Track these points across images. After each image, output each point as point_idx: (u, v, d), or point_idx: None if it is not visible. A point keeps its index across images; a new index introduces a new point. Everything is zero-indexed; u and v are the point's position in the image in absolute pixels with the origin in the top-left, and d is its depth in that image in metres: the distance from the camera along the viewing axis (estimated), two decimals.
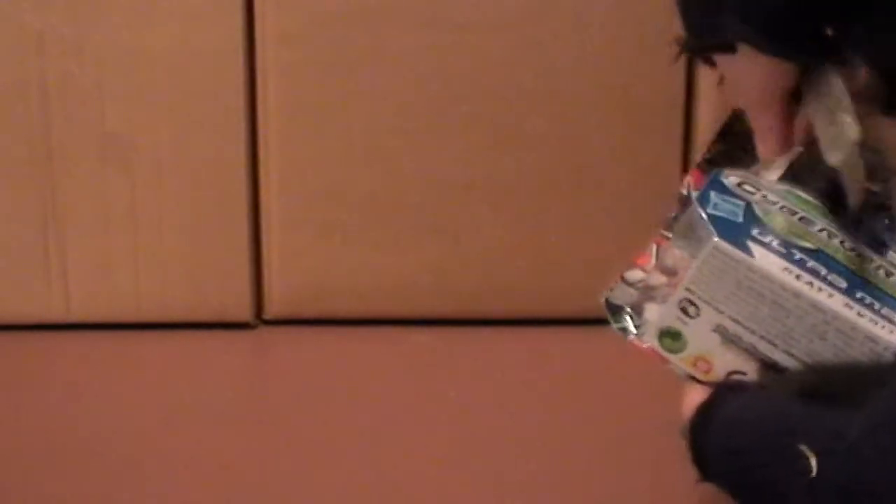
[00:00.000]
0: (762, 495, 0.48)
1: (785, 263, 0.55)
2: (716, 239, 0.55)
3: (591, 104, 1.10)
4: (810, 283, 0.54)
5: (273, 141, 1.11)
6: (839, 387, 0.52)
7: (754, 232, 0.55)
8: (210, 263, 1.12)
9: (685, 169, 1.13)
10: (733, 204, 0.57)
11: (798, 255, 0.55)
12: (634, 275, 0.62)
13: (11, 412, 0.99)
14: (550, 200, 1.12)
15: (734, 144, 0.64)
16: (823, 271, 0.55)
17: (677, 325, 0.57)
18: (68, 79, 1.08)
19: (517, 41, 1.09)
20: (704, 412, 0.52)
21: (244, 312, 1.14)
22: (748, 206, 0.57)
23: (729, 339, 0.56)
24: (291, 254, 1.13)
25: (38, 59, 1.07)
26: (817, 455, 0.45)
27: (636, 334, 0.59)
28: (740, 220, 0.56)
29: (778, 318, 0.54)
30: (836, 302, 0.54)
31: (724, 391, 0.54)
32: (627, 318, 0.61)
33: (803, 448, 0.45)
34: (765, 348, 0.55)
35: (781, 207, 0.57)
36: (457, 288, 1.13)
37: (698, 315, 0.56)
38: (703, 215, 0.56)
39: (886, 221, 0.59)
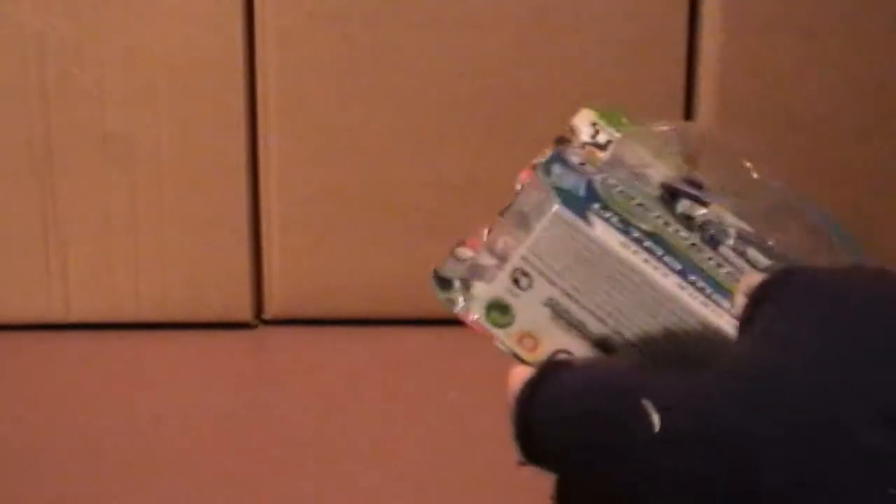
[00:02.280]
0: (594, 464, 0.46)
1: (623, 239, 0.55)
2: (557, 206, 0.55)
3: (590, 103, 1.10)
4: (646, 261, 0.55)
5: (273, 141, 1.11)
6: (666, 365, 0.52)
7: (595, 206, 0.56)
8: (210, 263, 1.12)
9: None
10: (576, 178, 0.58)
11: (636, 234, 0.56)
12: (464, 252, 0.62)
13: (11, 412, 0.99)
14: None
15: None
16: (660, 252, 0.56)
17: (507, 298, 0.57)
18: (68, 79, 1.08)
19: (517, 41, 1.09)
20: (532, 384, 0.51)
21: (244, 312, 1.14)
22: (590, 182, 0.58)
23: (559, 315, 0.56)
24: (291, 254, 1.13)
25: (38, 59, 1.07)
26: (661, 410, 0.44)
27: (462, 307, 0.59)
28: (582, 193, 0.57)
29: (611, 294, 0.55)
30: (670, 282, 0.55)
31: (553, 364, 0.53)
32: (455, 290, 0.61)
33: (645, 402, 0.44)
34: (594, 325, 0.55)
35: (621, 191, 0.58)
36: None
37: (530, 287, 0.56)
38: (546, 184, 0.57)
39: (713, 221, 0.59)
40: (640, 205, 0.59)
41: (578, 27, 1.08)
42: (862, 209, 1.12)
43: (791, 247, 0.59)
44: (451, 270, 0.62)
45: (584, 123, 0.66)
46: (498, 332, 0.58)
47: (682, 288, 0.55)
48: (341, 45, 1.08)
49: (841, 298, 0.45)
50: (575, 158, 0.59)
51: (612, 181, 0.58)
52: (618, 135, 0.64)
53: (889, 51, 1.09)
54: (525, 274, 0.56)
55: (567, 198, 0.56)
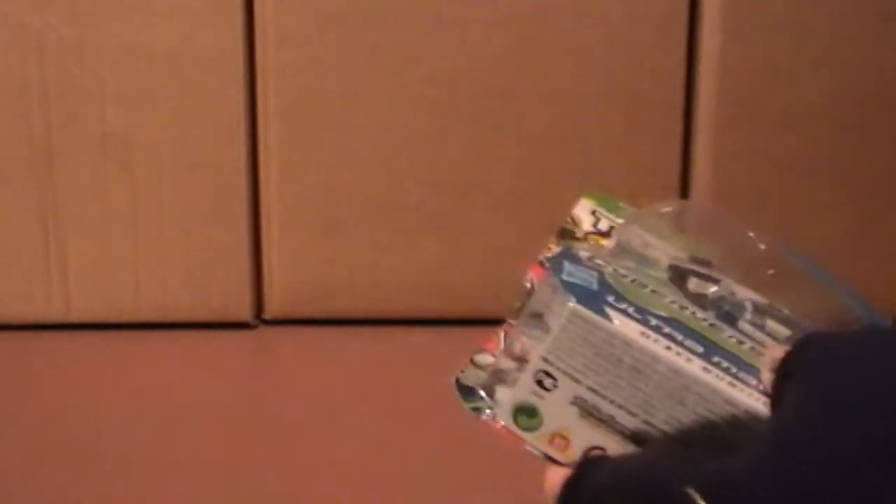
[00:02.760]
0: None
1: (642, 328, 0.54)
2: (572, 304, 0.54)
3: (590, 103, 1.10)
4: (668, 348, 0.54)
5: (273, 141, 1.11)
6: (702, 451, 0.52)
7: (610, 299, 0.55)
8: (210, 263, 1.12)
9: (685, 168, 1.13)
10: (587, 273, 0.57)
11: (654, 322, 0.55)
12: (484, 358, 0.61)
13: (11, 412, 0.99)
14: (550, 200, 1.12)
15: (572, 243, 0.64)
16: (679, 337, 0.55)
17: (532, 400, 0.56)
18: (68, 79, 1.08)
19: (517, 40, 1.09)
20: (573, 484, 0.51)
21: (244, 312, 1.14)
22: (601, 275, 0.57)
23: (587, 412, 0.55)
24: (291, 254, 1.13)
25: (38, 59, 1.07)
26: (705, 498, 0.45)
27: (489, 414, 0.58)
28: (595, 287, 0.56)
29: (637, 385, 0.54)
30: (694, 366, 0.54)
31: (589, 462, 0.53)
32: (480, 398, 0.60)
33: (690, 491, 0.45)
34: (624, 419, 0.54)
35: (633, 280, 0.58)
36: (456, 288, 1.13)
37: (555, 387, 0.55)
38: (559, 282, 0.56)
39: (726, 299, 0.59)
40: (654, 291, 0.58)
41: (578, 27, 1.08)
42: (862, 209, 1.12)
43: (805, 311, 0.58)
44: (473, 378, 0.61)
45: (584, 212, 0.66)
46: (528, 436, 0.57)
47: (708, 371, 0.54)
48: (341, 45, 1.08)
49: (859, 358, 0.46)
50: (584, 253, 0.59)
51: (622, 271, 0.58)
52: (619, 220, 0.64)
53: (888, 51, 1.09)
54: (549, 375, 0.55)
55: (581, 293, 0.55)
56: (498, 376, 0.59)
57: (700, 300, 0.58)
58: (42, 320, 1.12)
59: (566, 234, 0.63)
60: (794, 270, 0.60)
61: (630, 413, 0.54)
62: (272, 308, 1.14)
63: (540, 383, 0.55)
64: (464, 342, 1.19)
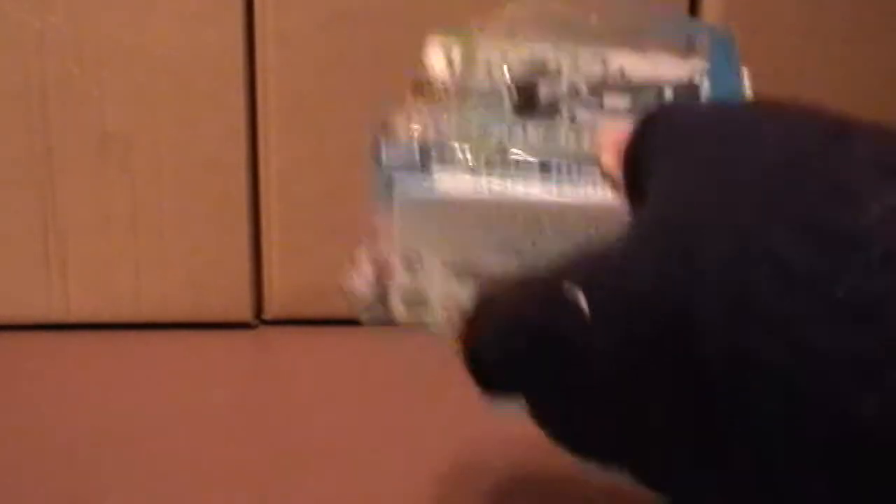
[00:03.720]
0: (548, 369, 0.43)
1: (471, 181, 0.54)
2: (398, 190, 0.54)
3: None
4: (504, 187, 0.53)
5: (273, 141, 1.11)
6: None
7: (434, 168, 0.55)
8: (210, 263, 1.12)
9: None
10: (406, 149, 0.57)
11: (481, 169, 0.54)
12: (360, 280, 0.61)
13: (11, 412, 0.99)
14: None
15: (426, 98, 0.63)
16: (513, 170, 0.54)
17: (411, 283, 0.56)
18: (68, 79, 1.08)
19: None
20: (472, 320, 0.49)
21: (244, 312, 1.14)
22: (422, 146, 0.56)
23: (461, 271, 0.55)
24: (291, 254, 1.13)
25: (38, 59, 1.07)
26: (584, 288, 0.41)
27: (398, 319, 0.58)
28: (417, 159, 0.56)
29: (493, 236, 0.53)
30: (534, 192, 0.53)
31: (484, 296, 0.50)
32: (382, 309, 0.60)
33: (567, 284, 0.41)
34: (497, 266, 0.54)
35: (455, 129, 0.57)
36: None
37: (421, 267, 0.55)
38: (380, 172, 0.55)
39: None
40: (481, 133, 0.57)
41: None
42: None
43: (649, 76, 0.57)
44: (364, 297, 0.61)
45: (437, 58, 0.65)
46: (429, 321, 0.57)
47: (549, 192, 0.53)
48: (341, 45, 1.08)
49: (723, 133, 0.42)
50: (400, 130, 0.58)
51: (443, 127, 0.57)
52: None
53: (889, 50, 1.09)
54: (411, 259, 0.55)
55: (405, 176, 0.54)
56: (383, 280, 0.59)
57: (531, 111, 0.57)
58: (41, 320, 1.12)
59: (418, 89, 0.62)
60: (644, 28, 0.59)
61: (499, 261, 0.54)
62: (272, 308, 1.14)
63: (410, 268, 0.55)
64: None
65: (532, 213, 0.52)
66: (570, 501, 0.85)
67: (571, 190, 0.52)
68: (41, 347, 1.10)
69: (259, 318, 1.15)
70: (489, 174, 0.53)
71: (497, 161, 0.53)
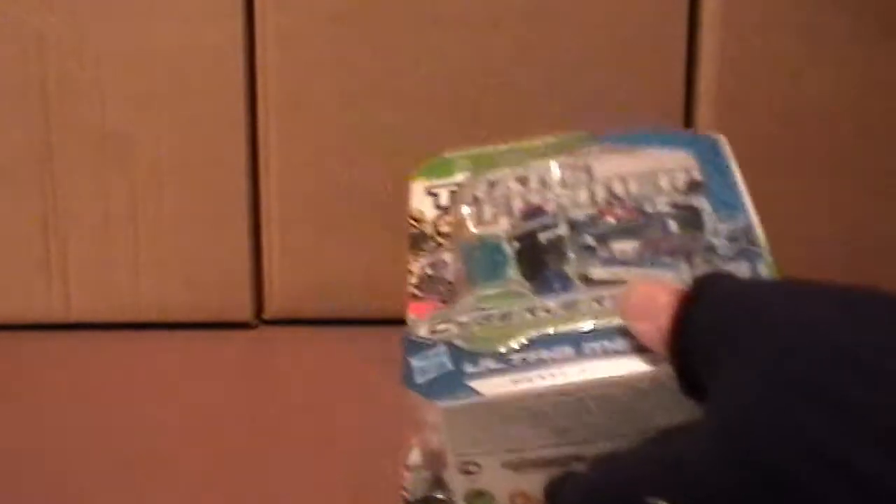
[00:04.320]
0: None
1: (510, 377, 0.52)
2: (440, 405, 0.52)
3: (590, 103, 1.10)
4: (541, 377, 0.52)
5: (273, 141, 1.11)
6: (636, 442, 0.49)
7: (468, 369, 0.53)
8: (210, 263, 1.12)
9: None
10: (435, 354, 0.55)
11: (516, 359, 0.53)
12: (417, 469, 0.60)
13: (11, 412, 0.99)
14: None
15: (424, 246, 0.63)
16: (546, 354, 0.52)
17: (472, 485, 0.55)
18: (68, 79, 1.08)
19: (517, 41, 1.09)
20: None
21: (244, 312, 1.14)
22: (449, 345, 0.54)
23: (521, 466, 0.54)
24: (291, 254, 1.13)
25: (38, 59, 1.07)
26: (665, 497, 0.44)
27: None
28: (450, 366, 0.54)
29: (542, 425, 0.52)
30: (572, 374, 0.52)
31: (553, 484, 0.52)
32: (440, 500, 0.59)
33: (650, 500, 0.43)
34: (554, 454, 0.53)
35: (479, 321, 0.55)
36: None
37: (480, 468, 0.54)
38: (416, 389, 0.54)
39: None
40: (503, 317, 0.55)
41: (578, 27, 1.08)
42: (862, 208, 1.12)
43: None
44: (418, 487, 0.60)
45: (420, 199, 0.64)
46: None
47: (584, 371, 0.52)
48: (341, 45, 1.08)
49: (779, 314, 0.43)
50: (422, 328, 0.56)
51: (464, 318, 0.55)
52: (457, 177, 0.62)
53: (889, 50, 1.09)
54: (467, 463, 0.54)
55: (440, 386, 0.52)
56: (438, 481, 0.58)
57: (542, 276, 0.56)
58: (41, 320, 1.12)
59: (417, 239, 0.61)
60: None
61: (556, 447, 0.53)
62: (272, 308, 1.14)
63: (467, 472, 0.54)
64: None
65: (575, 398, 0.51)
66: None
67: (607, 363, 0.51)
68: (41, 347, 1.10)
69: (259, 318, 1.15)
70: (524, 370, 0.52)
71: (527, 354, 0.52)
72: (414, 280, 0.59)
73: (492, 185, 0.63)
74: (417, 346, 0.55)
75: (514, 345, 0.54)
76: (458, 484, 0.55)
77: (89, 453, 0.92)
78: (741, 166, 0.62)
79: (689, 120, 1.11)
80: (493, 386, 0.52)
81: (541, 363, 0.52)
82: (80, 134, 1.09)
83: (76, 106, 1.08)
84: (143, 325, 1.12)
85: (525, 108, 1.10)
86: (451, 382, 0.53)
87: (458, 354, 0.54)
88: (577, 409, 0.52)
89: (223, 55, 1.08)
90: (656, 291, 0.48)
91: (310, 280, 1.13)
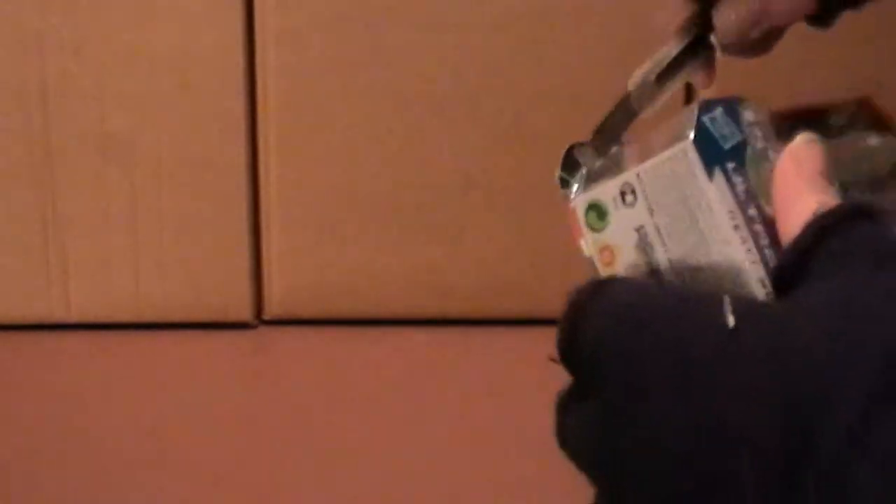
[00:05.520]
0: (647, 371, 0.42)
1: (735, 208, 0.52)
2: (688, 143, 0.52)
3: (590, 104, 1.10)
4: (744, 240, 0.52)
5: (273, 141, 1.11)
6: None
7: (729, 166, 0.52)
8: (210, 263, 1.12)
9: None
10: (731, 131, 0.55)
11: (752, 212, 0.53)
12: (612, 149, 0.60)
13: (11, 412, 0.99)
14: (550, 200, 1.12)
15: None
16: (765, 241, 0.51)
17: (608, 206, 0.55)
18: (68, 79, 1.08)
19: (517, 41, 1.09)
20: (589, 291, 0.47)
21: (244, 312, 1.14)
22: (743, 143, 0.53)
23: (643, 247, 0.53)
24: (291, 254, 1.13)
25: (38, 59, 1.07)
26: (739, 317, 0.41)
27: (569, 192, 0.57)
28: (726, 147, 0.54)
29: (696, 253, 0.52)
30: (755, 270, 0.52)
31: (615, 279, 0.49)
32: (576, 175, 0.59)
33: (726, 298, 0.42)
34: (666, 271, 0.53)
35: (771, 169, 0.55)
36: (457, 288, 1.13)
37: (632, 206, 0.54)
38: (695, 118, 0.53)
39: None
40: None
41: (578, 27, 1.08)
42: None
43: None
44: (589, 158, 0.60)
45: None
46: (588, 234, 0.55)
47: (763, 283, 0.52)
48: (341, 45, 1.08)
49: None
50: (749, 116, 0.56)
51: (773, 155, 0.54)
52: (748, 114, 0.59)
53: (889, 50, 1.09)
54: (632, 192, 0.54)
55: (706, 141, 0.52)
56: (602, 169, 0.58)
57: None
58: (41, 320, 1.12)
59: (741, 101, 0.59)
60: None
61: (674, 271, 0.52)
62: (272, 308, 1.14)
63: (623, 195, 0.54)
64: (464, 342, 1.20)
65: (733, 277, 0.50)
66: (573, 499, 0.85)
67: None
68: (41, 347, 1.10)
69: (259, 318, 1.15)
70: (747, 222, 0.51)
71: (758, 220, 0.52)
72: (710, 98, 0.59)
73: None
74: (734, 113, 0.54)
75: (766, 208, 0.52)
76: (597, 189, 0.55)
77: (89, 453, 0.92)
78: None
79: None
80: (721, 196, 0.51)
81: (755, 237, 0.51)
82: (80, 134, 1.09)
83: (76, 106, 1.08)
84: (144, 325, 1.12)
85: (525, 108, 1.10)
86: (711, 150, 0.52)
87: (738, 153, 0.53)
88: (724, 282, 0.51)
89: (223, 55, 1.08)
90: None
91: (310, 280, 1.13)
